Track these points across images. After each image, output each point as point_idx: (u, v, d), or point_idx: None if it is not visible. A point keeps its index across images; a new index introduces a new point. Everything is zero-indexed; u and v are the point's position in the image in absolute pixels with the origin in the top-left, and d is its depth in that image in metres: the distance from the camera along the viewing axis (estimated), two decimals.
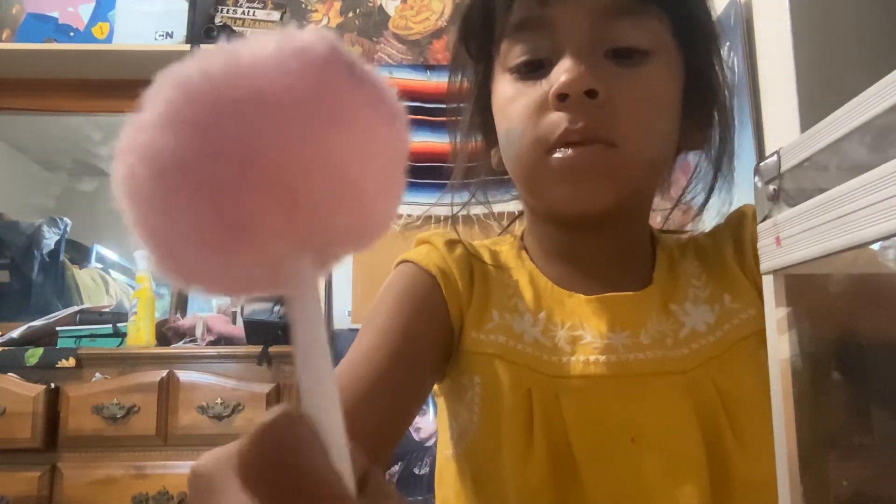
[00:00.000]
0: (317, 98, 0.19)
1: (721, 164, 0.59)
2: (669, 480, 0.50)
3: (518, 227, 0.71)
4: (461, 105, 0.63)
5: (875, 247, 0.28)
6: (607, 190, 0.53)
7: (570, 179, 0.52)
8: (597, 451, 0.51)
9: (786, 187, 0.33)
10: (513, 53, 0.54)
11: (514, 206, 0.68)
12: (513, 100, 0.54)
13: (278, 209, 0.19)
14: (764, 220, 0.34)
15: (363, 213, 0.21)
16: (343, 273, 2.23)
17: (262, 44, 0.19)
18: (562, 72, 0.51)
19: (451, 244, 0.60)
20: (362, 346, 0.52)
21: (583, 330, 0.55)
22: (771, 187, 0.34)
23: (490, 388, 0.54)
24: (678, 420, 0.51)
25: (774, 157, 0.33)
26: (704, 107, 0.58)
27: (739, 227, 0.59)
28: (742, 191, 0.68)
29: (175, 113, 0.19)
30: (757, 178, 0.35)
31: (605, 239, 0.58)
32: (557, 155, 0.51)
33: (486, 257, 0.61)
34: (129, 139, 0.21)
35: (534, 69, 0.53)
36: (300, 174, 0.19)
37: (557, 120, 0.51)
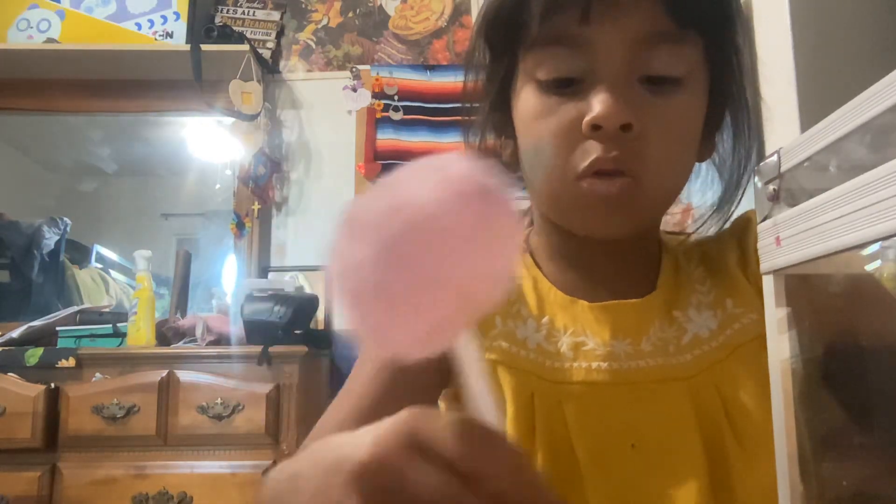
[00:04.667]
0: (471, 226, 0.28)
1: (743, 176, 0.59)
2: (669, 486, 0.50)
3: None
4: (473, 104, 0.62)
5: (875, 247, 0.28)
6: (628, 222, 0.54)
7: (595, 210, 0.52)
8: (598, 457, 0.51)
9: (786, 187, 0.33)
10: (544, 67, 0.52)
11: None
12: (541, 116, 0.52)
13: (449, 302, 0.28)
14: (764, 220, 0.34)
15: (494, 289, 0.30)
16: None
17: (425, 182, 0.28)
18: (598, 102, 0.49)
19: None
20: (363, 368, 0.55)
21: (585, 336, 0.55)
22: (771, 187, 0.34)
23: (494, 394, 0.54)
24: (679, 426, 0.52)
25: (774, 157, 0.33)
26: (719, 120, 0.58)
27: (744, 233, 0.59)
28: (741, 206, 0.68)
29: (382, 250, 0.28)
30: (757, 178, 0.35)
31: (614, 247, 0.58)
32: (586, 185, 0.51)
33: None
34: (340, 265, 0.30)
35: (564, 85, 0.52)
36: (463, 277, 0.28)
37: (589, 148, 0.50)
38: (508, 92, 0.58)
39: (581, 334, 0.56)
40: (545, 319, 0.57)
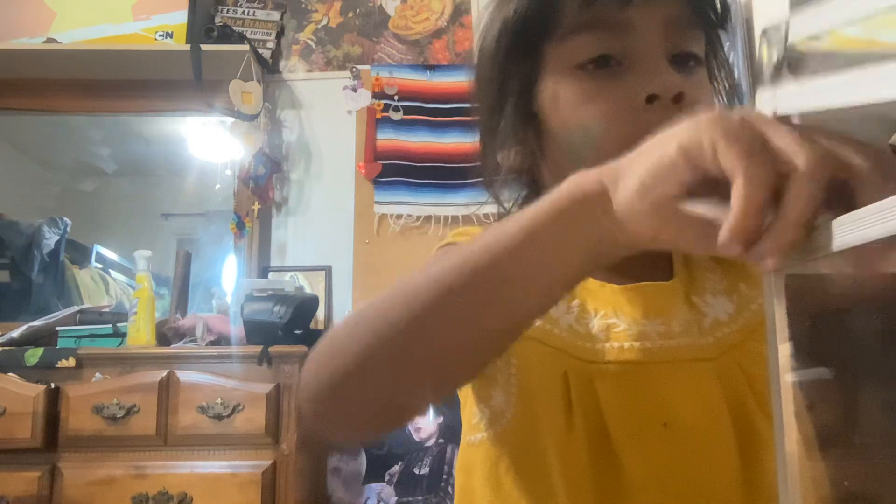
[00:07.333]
0: None
1: None
2: (702, 464, 0.51)
3: None
4: (483, 106, 0.63)
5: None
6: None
7: None
8: (632, 435, 0.52)
9: (790, 57, 0.33)
10: (582, 50, 0.54)
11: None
12: (587, 98, 0.54)
13: None
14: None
15: None
16: (343, 273, 2.23)
17: None
18: (653, 74, 0.52)
19: None
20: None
21: (616, 318, 0.56)
22: (776, 55, 0.33)
23: (526, 370, 0.55)
24: (708, 405, 0.52)
25: (783, 26, 0.33)
26: None
27: None
28: None
29: None
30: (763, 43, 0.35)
31: None
32: None
33: None
34: None
35: (602, 66, 0.54)
36: None
37: (649, 121, 0.51)
38: (529, 93, 0.58)
39: (612, 316, 0.57)
40: (575, 302, 0.58)
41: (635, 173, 0.35)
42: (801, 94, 0.31)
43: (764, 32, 0.34)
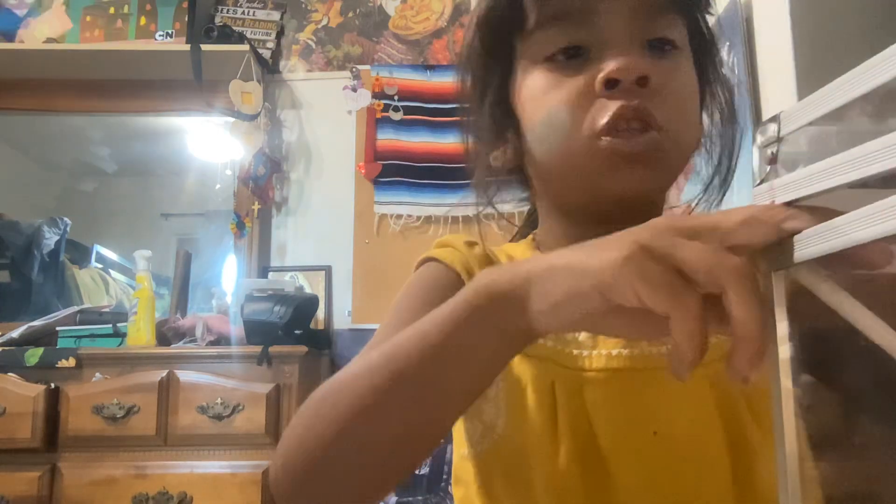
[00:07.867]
0: None
1: (726, 175, 0.61)
2: (692, 472, 0.50)
3: (518, 229, 0.72)
4: (468, 105, 0.63)
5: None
6: (654, 177, 0.54)
7: (625, 165, 0.52)
8: (621, 443, 0.51)
9: (784, 151, 0.33)
10: (550, 42, 0.54)
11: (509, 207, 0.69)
12: (552, 87, 0.54)
13: None
14: (760, 183, 0.34)
15: None
16: (343, 273, 2.23)
17: None
18: (612, 58, 0.51)
19: (470, 244, 0.61)
20: (381, 340, 0.53)
21: None
22: (769, 150, 0.34)
23: (512, 383, 0.54)
24: (700, 412, 0.52)
25: (774, 123, 0.33)
26: (702, 102, 0.60)
27: None
28: (740, 193, 0.68)
29: None
30: (757, 137, 0.35)
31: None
32: (609, 139, 0.51)
33: (503, 259, 0.62)
34: None
35: (572, 56, 0.53)
36: None
37: (608, 105, 0.51)
38: (507, 90, 0.58)
39: None
40: None
41: (549, 295, 0.36)
42: (795, 182, 0.31)
43: (760, 128, 0.34)
